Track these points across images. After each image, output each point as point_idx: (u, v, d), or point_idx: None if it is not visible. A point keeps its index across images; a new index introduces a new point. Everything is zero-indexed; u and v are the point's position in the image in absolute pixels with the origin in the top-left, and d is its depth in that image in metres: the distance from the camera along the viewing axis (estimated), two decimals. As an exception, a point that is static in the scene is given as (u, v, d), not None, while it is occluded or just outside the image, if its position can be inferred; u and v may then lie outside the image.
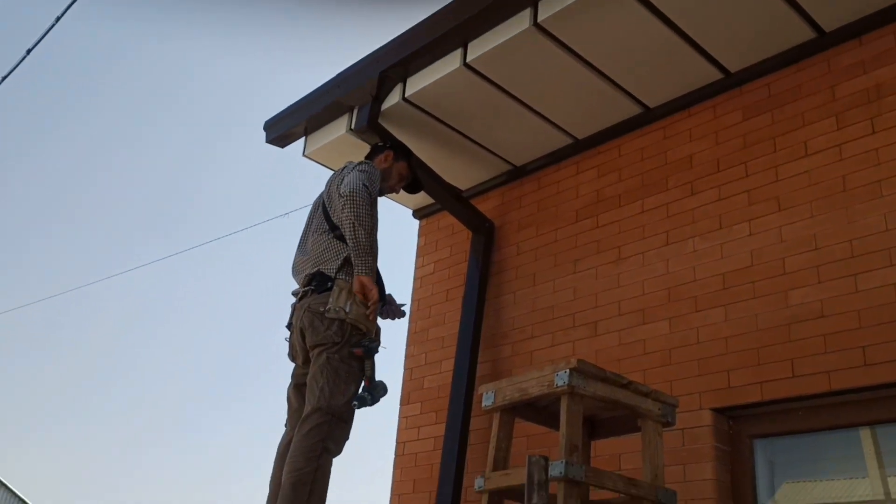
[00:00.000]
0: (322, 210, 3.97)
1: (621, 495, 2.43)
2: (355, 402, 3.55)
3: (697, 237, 4.06)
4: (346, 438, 3.66)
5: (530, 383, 2.43)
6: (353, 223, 3.58)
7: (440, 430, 4.91)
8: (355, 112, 4.79)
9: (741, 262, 3.84)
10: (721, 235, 3.96)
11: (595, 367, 2.36)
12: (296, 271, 3.97)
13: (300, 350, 3.80)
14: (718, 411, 3.71)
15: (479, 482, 2.46)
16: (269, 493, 3.79)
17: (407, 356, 5.36)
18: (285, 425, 3.91)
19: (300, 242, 4.07)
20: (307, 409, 3.60)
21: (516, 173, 5.15)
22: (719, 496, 3.54)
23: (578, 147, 4.82)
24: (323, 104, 4.92)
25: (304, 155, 5.25)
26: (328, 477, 3.58)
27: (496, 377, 4.73)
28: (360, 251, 3.60)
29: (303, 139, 5.25)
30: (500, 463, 2.51)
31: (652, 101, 4.45)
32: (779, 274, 3.68)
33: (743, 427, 3.70)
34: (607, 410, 2.59)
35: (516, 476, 2.38)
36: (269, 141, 5.31)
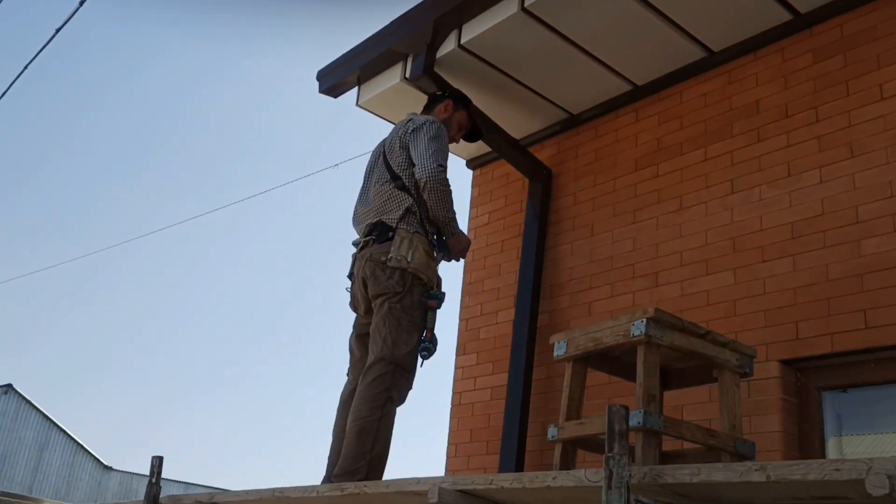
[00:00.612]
0: (383, 159, 3.93)
1: (699, 446, 2.40)
2: (423, 353, 3.56)
3: (764, 185, 3.95)
4: (410, 388, 3.68)
5: (605, 333, 2.39)
6: (435, 206, 3.63)
7: (497, 380, 4.92)
8: (409, 60, 4.73)
9: (811, 210, 3.73)
10: (790, 183, 3.85)
11: (672, 317, 2.32)
12: (357, 221, 3.96)
13: (362, 300, 3.80)
14: (786, 363, 3.64)
15: (552, 431, 2.45)
16: (333, 441, 3.84)
17: (462, 307, 5.36)
18: (347, 374, 3.94)
19: (360, 193, 4.04)
20: (371, 358, 3.62)
21: (573, 122, 5.06)
22: (786, 448, 3.49)
23: (638, 94, 4.70)
24: (376, 52, 4.85)
25: (357, 104, 5.20)
26: (392, 426, 3.61)
27: (554, 328, 4.71)
28: (444, 225, 3.69)
29: (356, 89, 5.20)
30: (573, 412, 2.49)
31: (716, 45, 4.30)
32: (851, 222, 3.57)
33: (811, 379, 3.63)
34: (681, 361, 2.54)
35: (591, 425, 2.36)
36: (323, 91, 5.27)
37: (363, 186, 4.04)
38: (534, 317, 4.75)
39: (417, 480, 2.58)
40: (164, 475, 3.83)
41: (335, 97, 5.33)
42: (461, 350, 5.26)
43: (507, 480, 2.31)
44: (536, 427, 4.58)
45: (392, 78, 4.89)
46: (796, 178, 3.83)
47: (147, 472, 3.72)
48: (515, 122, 5.10)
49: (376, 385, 3.55)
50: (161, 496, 3.66)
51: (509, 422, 4.58)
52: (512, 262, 5.14)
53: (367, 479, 3.46)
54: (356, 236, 3.95)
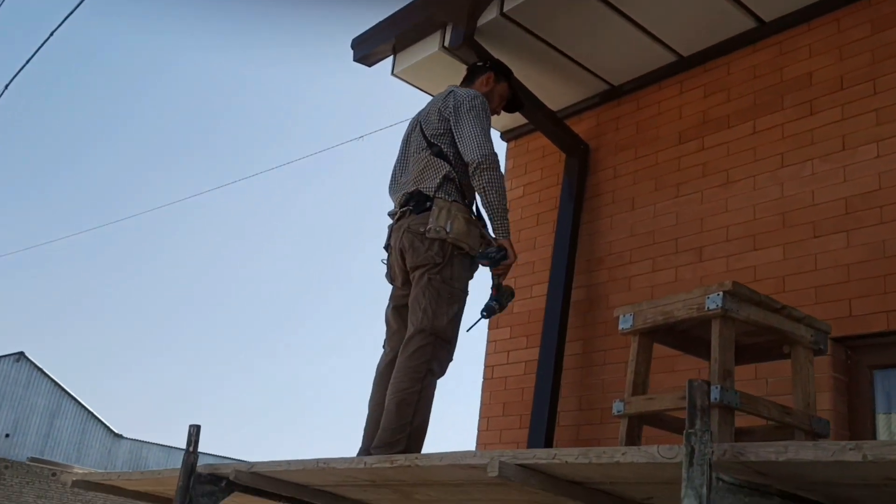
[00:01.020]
0: (419, 129, 3.85)
1: (773, 423, 2.34)
2: (484, 312, 3.54)
3: (817, 159, 3.85)
4: (450, 360, 3.62)
5: (676, 306, 2.32)
6: (489, 192, 3.50)
7: (531, 354, 4.86)
8: (449, 29, 4.62)
9: (867, 185, 3.63)
10: (844, 157, 3.75)
11: (749, 290, 2.24)
12: (393, 191, 3.89)
13: (399, 272, 3.74)
14: (836, 340, 3.56)
15: (618, 406, 2.38)
16: (369, 414, 3.79)
17: (495, 281, 5.28)
18: (384, 346, 3.89)
19: (396, 163, 3.97)
20: (410, 330, 3.56)
21: (613, 93, 4.95)
22: (836, 427, 3.42)
23: (683, 65, 4.59)
24: (414, 20, 4.75)
25: (392, 74, 5.10)
26: (432, 398, 3.56)
27: (591, 303, 4.64)
28: (496, 215, 3.55)
29: (391, 58, 5.10)
30: (640, 387, 2.42)
31: (767, 15, 4.19)
32: (910, 198, 3.47)
33: (863, 357, 3.55)
34: (752, 336, 2.47)
35: (661, 401, 2.30)
36: (357, 59, 5.17)
37: (399, 157, 3.96)
38: (567, 290, 4.68)
39: (474, 453, 2.52)
40: (182, 445, 3.79)
41: (369, 66, 5.23)
42: (494, 324, 5.20)
43: (572, 455, 2.25)
44: (571, 402, 4.53)
45: (430, 47, 4.79)
46: (851, 152, 3.73)
47: (156, 441, 3.69)
48: (554, 94, 4.99)
49: (417, 356, 3.50)
50: (198, 464, 3.61)
51: (540, 396, 4.52)
52: (547, 235, 5.06)
53: (406, 451, 3.42)
54: (390, 206, 3.88)
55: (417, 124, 3.92)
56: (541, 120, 4.81)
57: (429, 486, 3.08)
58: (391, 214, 3.89)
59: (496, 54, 4.50)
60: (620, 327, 2.49)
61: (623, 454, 2.14)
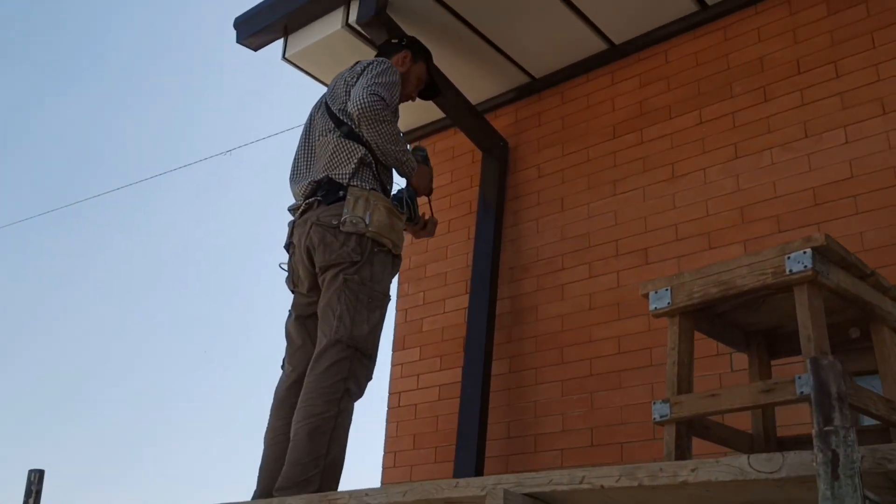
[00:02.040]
0: (325, 108, 3.22)
1: (880, 422, 1.84)
2: (396, 203, 3.08)
3: (776, 148, 3.50)
4: (369, 378, 2.97)
5: (739, 272, 1.79)
6: (379, 141, 2.99)
7: (446, 377, 4.25)
8: (354, 3, 4.01)
9: (838, 173, 3.30)
10: (808, 145, 3.42)
11: (842, 248, 1.74)
12: (295, 181, 3.22)
13: (305, 274, 3.06)
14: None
15: (661, 409, 1.82)
16: (266, 450, 3.05)
17: (400, 296, 4.65)
18: (283, 366, 3.18)
19: (298, 150, 3.31)
20: (322, 342, 2.89)
21: (534, 87, 4.49)
22: None
23: (614, 54, 4.19)
24: (312, -7, 4.11)
25: (283, 58, 4.42)
26: (349, 424, 2.89)
27: (517, 316, 4.09)
28: (398, 161, 3.11)
29: (282, 39, 4.43)
30: (685, 383, 1.87)
31: (710, -2, 3.85)
32: (890, 185, 3.15)
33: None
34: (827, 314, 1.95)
35: (731, 397, 1.75)
36: (242, 41, 4.46)
37: (300, 144, 3.31)
38: (492, 303, 4.12)
39: (456, 482, 1.88)
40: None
41: (255, 49, 4.53)
42: (399, 345, 4.55)
43: (611, 477, 1.66)
44: (498, 429, 3.94)
45: (331, 25, 4.16)
46: (816, 140, 3.40)
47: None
48: (471, 85, 4.47)
49: (332, 374, 2.83)
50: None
51: (466, 424, 3.90)
52: (461, 243, 4.49)
53: (320, 490, 2.73)
54: (291, 204, 3.21)
55: (322, 104, 3.29)
56: (458, 112, 4.25)
57: (370, 532, 2.39)
58: (292, 209, 3.21)
59: (410, 33, 3.93)
60: (653, 307, 1.94)
61: (692, 471, 1.57)
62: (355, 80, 3.13)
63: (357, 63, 3.27)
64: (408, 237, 4.65)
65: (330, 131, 3.11)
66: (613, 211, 3.93)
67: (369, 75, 3.07)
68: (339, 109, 3.11)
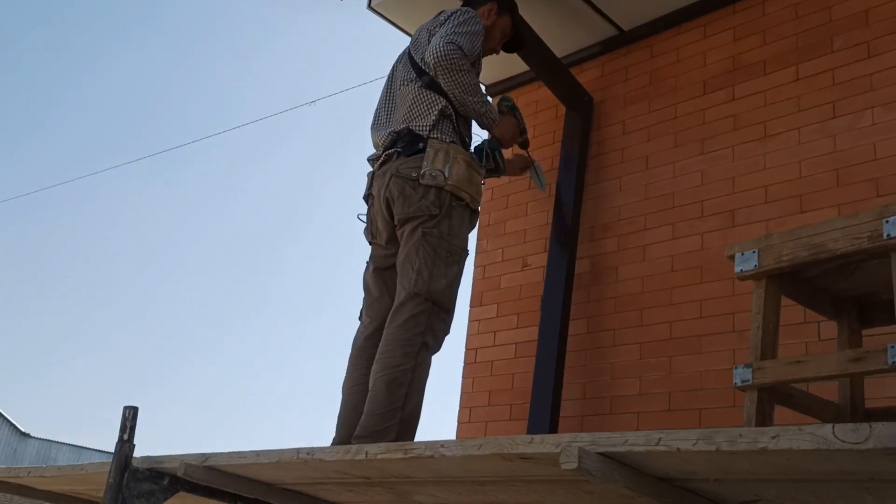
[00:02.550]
0: (408, 58, 3.21)
1: None
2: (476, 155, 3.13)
3: (878, 107, 3.32)
4: (447, 332, 3.00)
5: (831, 236, 1.71)
6: (457, 93, 3.00)
7: (523, 334, 4.24)
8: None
9: (944, 135, 3.11)
10: (913, 104, 3.23)
11: (944, 211, 1.65)
12: (375, 131, 3.23)
13: (383, 226, 3.09)
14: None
15: (742, 374, 1.77)
16: (344, 399, 3.12)
17: (478, 252, 4.64)
18: (360, 318, 3.22)
19: (380, 101, 3.32)
20: (401, 295, 2.92)
21: (621, 40, 4.36)
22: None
23: (708, 5, 4.02)
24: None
25: (369, 7, 4.40)
26: (426, 378, 2.93)
27: (597, 276, 4.03)
28: (478, 114, 3.10)
29: (369, -12, 4.40)
30: (769, 349, 1.81)
31: (813, -53, 3.65)
32: None
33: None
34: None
35: (818, 364, 1.69)
36: (327, -9, 4.45)
37: (382, 95, 3.32)
38: (571, 262, 4.06)
39: (531, 439, 1.87)
40: (97, 446, 3.02)
41: (340, -1, 4.53)
42: (477, 301, 4.55)
43: (689, 440, 1.62)
44: (574, 390, 3.91)
45: (415, -26, 4.12)
46: (922, 99, 3.21)
47: (65, 440, 2.92)
48: (554, 37, 4.36)
49: (410, 327, 2.86)
50: (134, 456, 2.84)
51: (541, 383, 3.88)
52: (541, 200, 4.44)
53: (397, 440, 2.77)
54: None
55: (405, 53, 3.29)
56: (542, 66, 4.17)
57: (442, 483, 2.41)
58: (372, 159, 3.22)
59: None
60: (739, 269, 1.87)
61: (773, 438, 1.52)
62: (438, 28, 3.11)
63: (441, 13, 3.25)
64: (488, 191, 4.63)
65: (411, 81, 3.11)
66: (700, 170, 3.81)
67: (451, 24, 3.06)
68: (421, 59, 3.11)
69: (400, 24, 4.47)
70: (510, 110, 3.38)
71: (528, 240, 4.42)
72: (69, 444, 30.30)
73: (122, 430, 2.86)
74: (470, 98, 3.02)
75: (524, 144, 3.60)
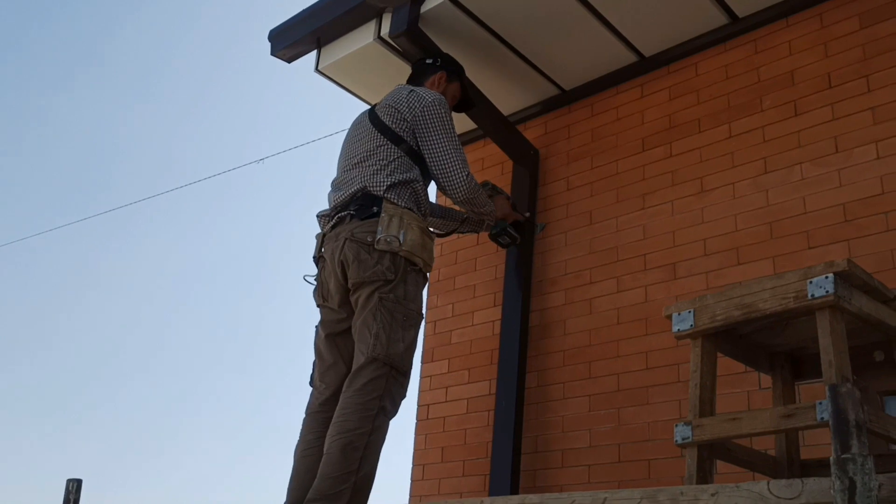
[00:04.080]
0: (374, 119, 3.22)
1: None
2: (503, 237, 3.78)
3: (807, 163, 3.48)
4: (403, 396, 3.01)
5: (761, 296, 1.79)
6: (474, 212, 3.42)
7: (474, 390, 4.27)
8: (387, 16, 4.05)
9: (868, 189, 3.27)
10: (839, 160, 3.39)
11: (864, 272, 1.74)
12: (333, 189, 3.26)
13: (336, 289, 3.09)
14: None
15: (682, 432, 1.82)
16: (296, 464, 3.08)
17: (429, 307, 4.68)
18: (311, 383, 3.21)
19: (339, 160, 3.34)
20: (359, 360, 2.93)
21: (563, 99, 4.50)
22: None
23: (644, 67, 4.18)
24: (345, 6, 4.16)
25: (316, 70, 4.48)
26: (382, 442, 2.92)
27: (545, 330, 4.10)
28: (487, 216, 3.53)
29: (315, 52, 4.48)
30: (707, 406, 1.87)
31: (741, 10, 3.83)
32: (922, 201, 3.12)
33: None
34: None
35: (752, 421, 1.75)
36: (275, 53, 4.52)
37: (341, 154, 3.34)
38: (525, 315, 4.13)
39: (492, 501, 1.90)
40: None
41: (289, 62, 4.59)
42: (428, 356, 4.57)
43: (635, 499, 1.66)
44: (528, 443, 3.94)
45: (363, 38, 4.20)
46: (847, 155, 3.37)
47: None
48: (500, 97, 4.48)
49: (368, 391, 2.86)
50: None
51: (501, 437, 3.91)
52: (489, 255, 4.51)
53: (349, 505, 2.76)
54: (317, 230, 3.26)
55: (367, 115, 3.32)
56: (489, 123, 4.27)
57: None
58: (321, 216, 3.24)
59: (440, 45, 3.97)
60: (676, 328, 1.94)
61: (713, 495, 1.57)
62: (416, 116, 3.16)
63: (411, 91, 3.25)
64: (437, 246, 4.69)
65: (382, 145, 3.12)
66: (642, 225, 3.92)
67: (441, 136, 3.15)
68: (397, 125, 3.14)
69: (347, 86, 4.55)
70: (493, 190, 3.74)
71: (477, 295, 4.48)
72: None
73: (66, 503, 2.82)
74: (482, 210, 3.37)
75: (518, 211, 3.91)
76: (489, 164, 4.71)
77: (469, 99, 3.73)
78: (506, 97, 4.50)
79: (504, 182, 4.54)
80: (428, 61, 3.59)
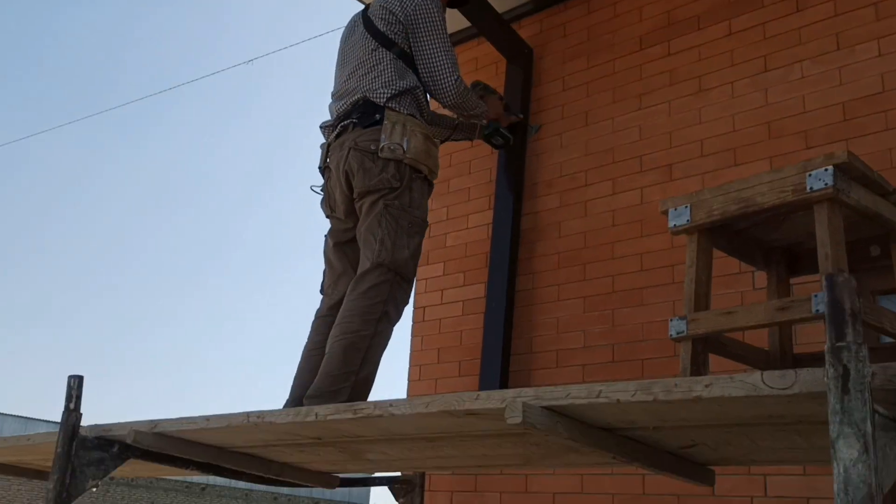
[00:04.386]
0: (368, 24, 3.16)
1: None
2: (496, 138, 3.68)
3: (807, 61, 3.41)
4: (406, 303, 3.05)
5: (759, 189, 1.77)
6: (465, 115, 3.33)
7: (470, 292, 4.29)
8: None
9: (868, 87, 3.22)
10: (839, 57, 3.33)
11: (864, 164, 1.72)
12: (333, 98, 3.23)
13: (342, 199, 3.09)
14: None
15: (677, 326, 1.84)
16: (301, 362, 3.14)
17: (423, 211, 4.65)
18: (321, 291, 3.24)
19: (336, 69, 3.29)
20: (365, 265, 2.95)
21: (559, -4, 4.37)
22: None
23: (643, -39, 4.05)
24: None
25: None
26: (384, 347, 2.96)
27: (540, 232, 4.09)
28: (478, 118, 3.43)
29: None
30: (702, 301, 1.88)
31: None
32: (923, 99, 3.08)
33: (865, 280, 3.16)
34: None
35: (747, 315, 1.76)
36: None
37: (338, 61, 3.30)
38: (517, 218, 4.12)
39: (475, 395, 1.92)
40: (45, 417, 3.00)
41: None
42: (423, 260, 4.56)
43: (627, 392, 1.69)
44: (521, 344, 3.99)
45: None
46: (848, 52, 3.31)
47: (11, 412, 2.90)
48: (492, -7, 4.36)
49: (372, 296, 2.89)
50: (82, 425, 2.84)
51: (491, 338, 3.96)
52: (483, 158, 4.47)
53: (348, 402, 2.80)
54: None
55: (358, 21, 3.25)
56: (483, 21, 4.16)
57: (392, 441, 2.47)
58: (324, 127, 3.21)
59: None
60: (672, 224, 1.94)
61: (707, 386, 1.59)
62: (408, 16, 3.10)
63: None
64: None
65: (375, 49, 3.09)
66: (638, 126, 3.88)
67: (433, 38, 3.10)
68: (389, 28, 3.09)
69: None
70: (485, 91, 3.62)
71: (472, 198, 4.46)
72: (15, 416, 29.69)
73: (69, 399, 2.85)
74: (473, 111, 3.27)
75: (511, 112, 3.83)
76: (482, 64, 4.62)
77: None
78: (499, -6, 4.37)
79: (497, 83, 4.46)
80: None
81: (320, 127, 3.25)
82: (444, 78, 3.09)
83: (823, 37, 3.39)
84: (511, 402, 1.80)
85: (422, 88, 3.10)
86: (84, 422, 2.79)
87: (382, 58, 3.06)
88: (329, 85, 3.32)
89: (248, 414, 2.42)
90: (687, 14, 3.85)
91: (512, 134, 3.72)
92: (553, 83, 4.29)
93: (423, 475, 3.80)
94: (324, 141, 3.21)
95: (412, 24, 3.10)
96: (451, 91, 3.10)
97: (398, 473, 3.71)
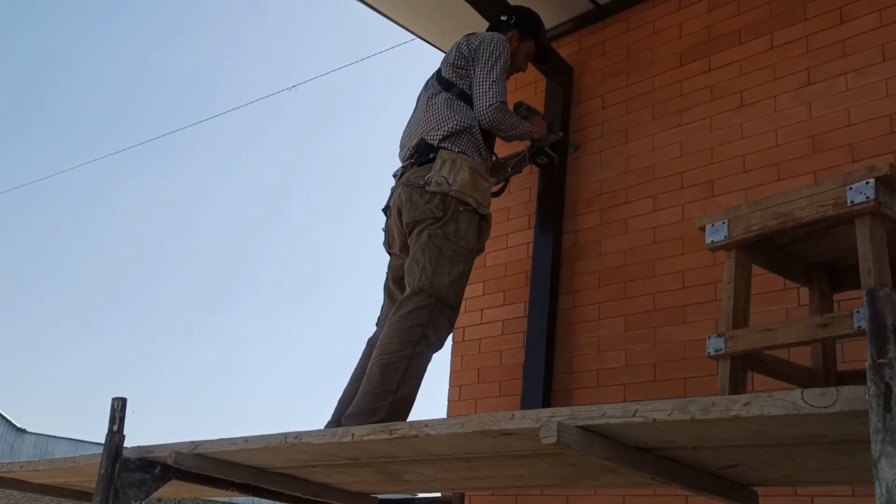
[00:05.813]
0: (437, 73, 3.34)
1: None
2: (540, 158, 3.60)
3: (851, 73, 3.34)
4: (450, 330, 3.07)
5: (798, 203, 1.73)
6: (506, 138, 3.34)
7: (509, 311, 4.27)
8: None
9: (916, 99, 3.14)
10: (885, 69, 3.25)
11: (906, 177, 1.67)
12: (400, 146, 3.36)
13: (398, 234, 3.19)
14: None
15: (715, 343, 1.80)
16: (348, 385, 3.17)
17: (463, 231, 4.65)
18: (377, 324, 3.28)
19: (411, 117, 3.42)
20: (406, 291, 2.97)
21: (597, 14, 4.36)
22: None
23: (681, -23, 4.02)
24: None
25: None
26: (423, 370, 2.97)
27: (580, 250, 4.06)
28: (521, 138, 3.43)
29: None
30: (740, 318, 1.84)
31: (784, -86, 3.65)
32: (973, 109, 2.99)
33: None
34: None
35: (787, 331, 1.72)
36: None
37: (414, 109, 3.44)
38: (557, 237, 4.09)
39: (510, 416, 1.90)
40: (95, 439, 3.05)
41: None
42: (463, 279, 4.57)
43: (664, 411, 1.65)
44: (562, 364, 3.95)
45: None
46: (894, 63, 3.23)
47: (62, 435, 2.95)
48: (532, 13, 4.35)
49: (410, 319, 2.92)
50: (125, 446, 2.88)
51: (532, 358, 3.93)
52: (522, 177, 4.44)
53: (385, 422, 2.80)
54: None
55: (437, 71, 3.40)
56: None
57: (429, 462, 2.45)
58: (395, 175, 3.34)
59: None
60: (710, 240, 1.90)
61: (745, 405, 1.55)
62: (469, 54, 3.26)
63: (472, 35, 3.37)
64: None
65: (436, 94, 3.30)
66: (679, 142, 3.83)
67: (485, 65, 3.21)
68: (449, 75, 3.27)
69: (380, 9, 4.46)
70: (529, 111, 3.66)
71: (511, 217, 4.44)
72: (66, 438, 30.26)
73: (112, 421, 2.89)
74: (514, 133, 3.29)
75: (554, 131, 3.79)
76: (522, 84, 4.62)
77: (548, 51, 3.78)
78: (539, 13, 4.36)
79: (537, 101, 4.45)
80: (503, 18, 3.66)
81: (393, 175, 3.36)
82: (480, 101, 3.17)
83: (868, 48, 3.32)
84: (546, 421, 1.78)
85: (479, 127, 3.18)
86: (127, 443, 2.83)
87: (439, 100, 3.21)
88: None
89: (286, 435, 2.43)
90: (728, 29, 3.81)
91: (555, 153, 3.70)
92: (592, 101, 4.27)
93: (462, 496, 3.77)
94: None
95: (474, 58, 3.24)
96: (484, 113, 3.16)
97: (438, 494, 3.69)
